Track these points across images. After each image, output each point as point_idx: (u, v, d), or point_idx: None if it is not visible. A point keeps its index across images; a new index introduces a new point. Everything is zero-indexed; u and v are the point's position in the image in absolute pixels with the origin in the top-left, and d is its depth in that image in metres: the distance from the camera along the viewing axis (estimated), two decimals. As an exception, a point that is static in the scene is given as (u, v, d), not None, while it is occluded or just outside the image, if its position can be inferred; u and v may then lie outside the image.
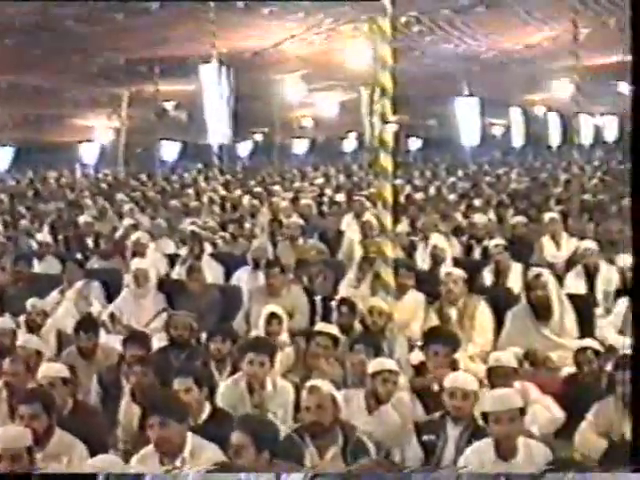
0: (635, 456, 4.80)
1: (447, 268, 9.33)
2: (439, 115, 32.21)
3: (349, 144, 40.44)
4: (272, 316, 8.25)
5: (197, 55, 18.29)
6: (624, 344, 7.97)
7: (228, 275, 10.99)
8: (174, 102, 26.96)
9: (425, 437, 6.23)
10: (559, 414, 6.87)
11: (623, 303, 8.44)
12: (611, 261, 9.72)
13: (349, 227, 13.38)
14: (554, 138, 36.41)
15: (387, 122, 8.46)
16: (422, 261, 11.32)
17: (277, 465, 5.33)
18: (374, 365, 6.83)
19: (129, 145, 27.30)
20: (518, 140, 36.27)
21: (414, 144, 41.35)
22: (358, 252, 11.27)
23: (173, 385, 6.47)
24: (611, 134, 40.32)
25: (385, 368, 6.77)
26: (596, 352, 7.20)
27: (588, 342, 7.39)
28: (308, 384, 6.28)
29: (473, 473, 5.50)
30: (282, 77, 24.77)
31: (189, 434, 5.75)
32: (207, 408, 6.45)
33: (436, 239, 11.47)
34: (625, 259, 9.52)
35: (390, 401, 6.75)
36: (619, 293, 8.97)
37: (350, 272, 10.20)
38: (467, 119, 27.58)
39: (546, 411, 6.85)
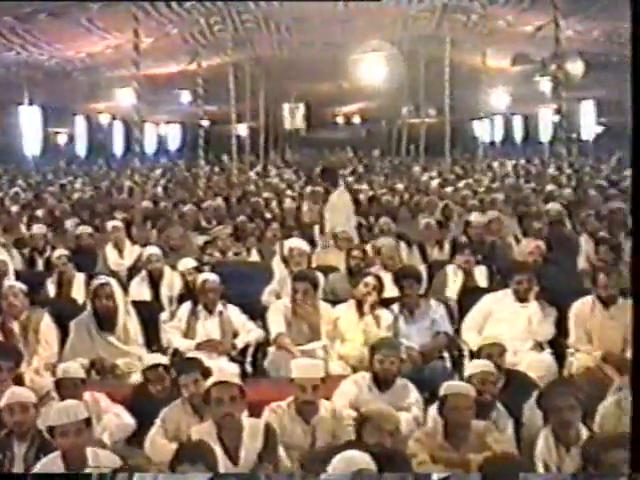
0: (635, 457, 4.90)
1: (8, 281, 9.06)
2: (2, 124, 31.33)
3: None
4: None
5: None
6: (188, 347, 8.21)
7: None
8: None
9: None
10: (129, 421, 6.89)
11: (186, 307, 8.60)
12: (173, 267, 9.87)
13: None
14: (119, 146, 36.69)
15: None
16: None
17: None
18: None
19: None
20: (82, 149, 36.15)
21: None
22: None
23: None
24: (175, 142, 41.27)
25: None
26: (165, 367, 7.22)
27: (156, 358, 7.42)
28: None
29: None
30: None
31: None
32: None
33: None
34: (186, 263, 9.74)
35: None
36: (182, 297, 9.14)
37: None
38: (30, 128, 27.03)
39: (116, 419, 6.85)
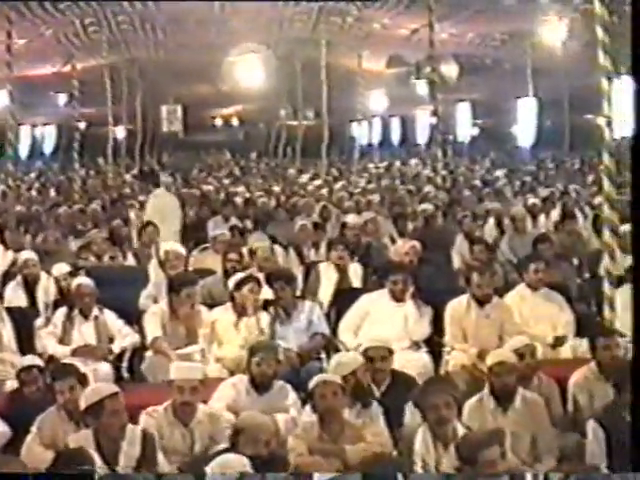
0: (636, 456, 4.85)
1: None
2: None
3: None
4: None
5: None
6: (64, 353, 8.08)
7: None
8: None
9: None
10: (3, 429, 6.75)
11: (61, 312, 8.44)
12: (48, 272, 9.71)
13: None
14: None
15: None
16: None
17: None
18: None
19: None
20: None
21: None
22: None
23: None
24: (50, 145, 40.46)
25: None
26: (40, 368, 7.10)
27: (30, 359, 7.28)
28: None
29: None
30: None
31: None
32: None
33: None
34: (60, 268, 9.58)
35: None
36: (57, 303, 8.98)
37: None
38: None
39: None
